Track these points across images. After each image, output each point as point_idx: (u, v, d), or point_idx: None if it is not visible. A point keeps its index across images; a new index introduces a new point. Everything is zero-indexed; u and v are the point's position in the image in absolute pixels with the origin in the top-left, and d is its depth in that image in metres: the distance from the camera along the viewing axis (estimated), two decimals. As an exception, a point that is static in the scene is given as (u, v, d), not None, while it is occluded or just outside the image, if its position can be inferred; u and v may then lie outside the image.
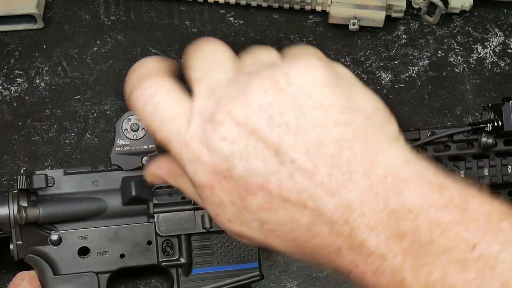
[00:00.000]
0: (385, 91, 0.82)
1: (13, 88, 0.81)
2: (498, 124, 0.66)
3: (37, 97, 0.80)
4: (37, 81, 0.81)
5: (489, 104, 0.69)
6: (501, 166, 0.68)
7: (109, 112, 0.79)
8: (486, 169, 0.68)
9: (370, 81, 0.82)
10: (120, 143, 0.63)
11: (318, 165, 0.38)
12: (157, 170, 0.47)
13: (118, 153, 0.64)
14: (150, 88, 0.42)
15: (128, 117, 0.64)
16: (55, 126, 0.79)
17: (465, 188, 0.39)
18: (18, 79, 0.81)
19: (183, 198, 0.65)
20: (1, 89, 0.81)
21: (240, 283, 0.62)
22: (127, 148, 0.64)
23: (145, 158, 0.64)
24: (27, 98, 0.80)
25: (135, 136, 0.63)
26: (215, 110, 0.40)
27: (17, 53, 0.83)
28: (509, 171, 0.68)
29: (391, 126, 0.41)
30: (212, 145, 0.40)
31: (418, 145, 0.67)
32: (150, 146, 0.64)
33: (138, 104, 0.43)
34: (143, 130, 0.64)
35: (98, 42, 0.83)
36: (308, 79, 0.40)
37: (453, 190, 0.38)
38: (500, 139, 0.68)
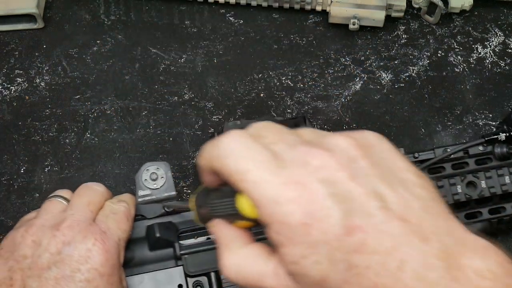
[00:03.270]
0: (385, 90, 0.82)
1: (13, 88, 0.81)
2: (510, 132, 0.67)
3: (37, 96, 0.80)
4: (37, 80, 0.81)
5: (499, 121, 0.69)
6: None
7: (109, 112, 0.79)
8: (507, 177, 0.68)
9: (370, 81, 0.82)
10: (141, 194, 0.63)
11: (409, 216, 0.41)
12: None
13: (140, 203, 0.63)
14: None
15: (147, 168, 0.63)
16: (55, 126, 0.78)
17: None
18: (18, 79, 0.81)
19: (208, 238, 0.63)
20: (1, 89, 0.81)
21: None
22: (149, 197, 0.63)
23: (167, 205, 0.63)
24: (27, 98, 0.80)
25: (155, 186, 0.63)
26: (311, 155, 0.42)
27: (17, 53, 0.83)
28: None
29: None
30: (312, 186, 0.41)
31: (435, 163, 0.67)
32: (171, 193, 0.63)
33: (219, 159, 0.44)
34: (162, 178, 0.63)
35: (98, 42, 0.83)
36: (379, 142, 0.44)
37: None
38: None
